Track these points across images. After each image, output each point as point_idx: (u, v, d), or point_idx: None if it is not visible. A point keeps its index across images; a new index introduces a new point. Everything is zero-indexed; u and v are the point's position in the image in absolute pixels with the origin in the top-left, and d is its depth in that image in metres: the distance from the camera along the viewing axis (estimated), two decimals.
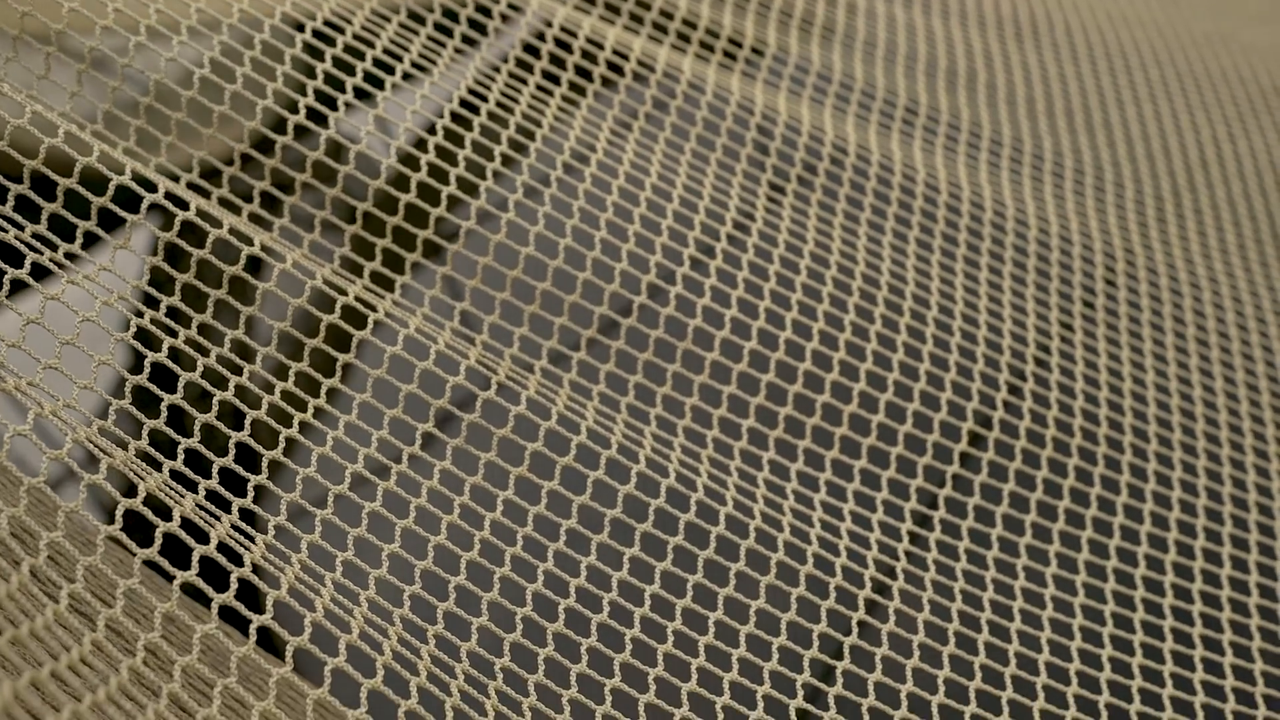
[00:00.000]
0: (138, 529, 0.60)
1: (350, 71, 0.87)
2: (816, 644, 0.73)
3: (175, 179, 0.75)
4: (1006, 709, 0.74)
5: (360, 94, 0.87)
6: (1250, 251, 1.17)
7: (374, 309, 0.77)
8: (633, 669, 0.68)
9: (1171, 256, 1.13)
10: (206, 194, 0.76)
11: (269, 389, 0.69)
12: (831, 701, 0.71)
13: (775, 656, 0.72)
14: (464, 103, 0.92)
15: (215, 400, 0.65)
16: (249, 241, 0.73)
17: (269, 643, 0.61)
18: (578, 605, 0.69)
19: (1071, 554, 0.85)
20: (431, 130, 0.89)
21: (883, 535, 0.81)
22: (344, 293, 0.77)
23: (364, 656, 0.61)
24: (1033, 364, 0.98)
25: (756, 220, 0.98)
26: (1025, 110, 1.22)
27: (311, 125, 0.82)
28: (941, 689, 0.74)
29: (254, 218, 0.77)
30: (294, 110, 0.82)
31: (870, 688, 0.72)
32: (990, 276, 1.03)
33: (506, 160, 0.90)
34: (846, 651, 0.74)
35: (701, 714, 0.68)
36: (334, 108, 0.83)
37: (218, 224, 0.73)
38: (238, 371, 0.68)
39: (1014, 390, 0.95)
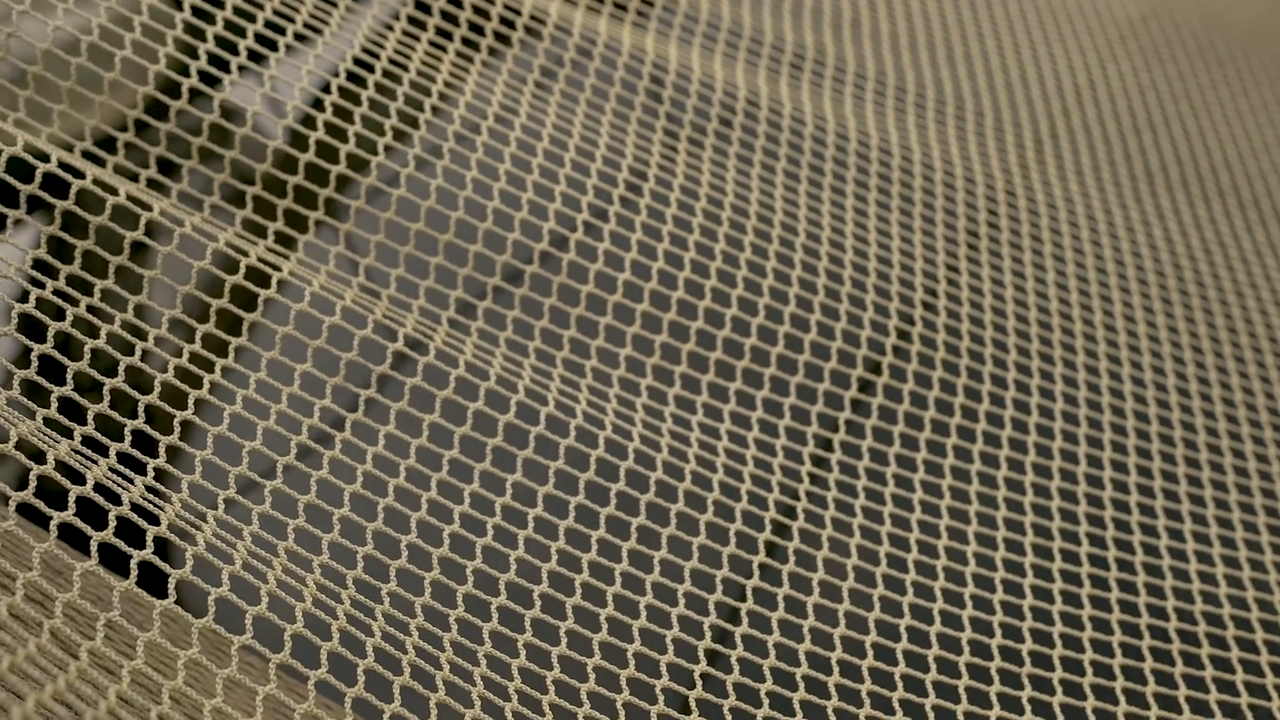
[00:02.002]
0: (17, 478, 0.59)
1: (238, 34, 0.85)
2: (726, 565, 0.73)
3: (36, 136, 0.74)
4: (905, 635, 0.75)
5: (229, 40, 0.85)
6: (1104, 171, 1.18)
7: (215, 234, 0.77)
8: (551, 599, 0.67)
9: (1048, 180, 1.14)
10: (69, 148, 0.75)
11: (142, 336, 0.68)
12: (744, 616, 0.71)
13: (688, 579, 0.72)
14: (359, 62, 0.91)
15: (87, 349, 0.64)
16: (114, 192, 0.72)
17: (161, 584, 0.61)
18: (495, 544, 0.69)
19: (963, 486, 0.85)
20: (327, 89, 0.88)
21: (786, 459, 0.81)
22: (209, 234, 0.76)
23: (249, 587, 0.61)
24: (921, 292, 0.98)
25: (651, 166, 0.98)
26: (891, 46, 1.22)
27: (174, 75, 0.81)
28: (846, 598, 0.74)
29: (119, 170, 0.76)
30: (176, 77, 0.81)
31: (780, 600, 0.73)
32: (878, 211, 1.03)
33: (404, 118, 0.89)
34: (755, 569, 0.74)
35: (619, 637, 0.68)
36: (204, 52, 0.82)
37: (81, 175, 0.72)
38: (109, 320, 0.67)
39: (905, 318, 0.96)
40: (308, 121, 0.86)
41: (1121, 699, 0.74)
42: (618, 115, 1.00)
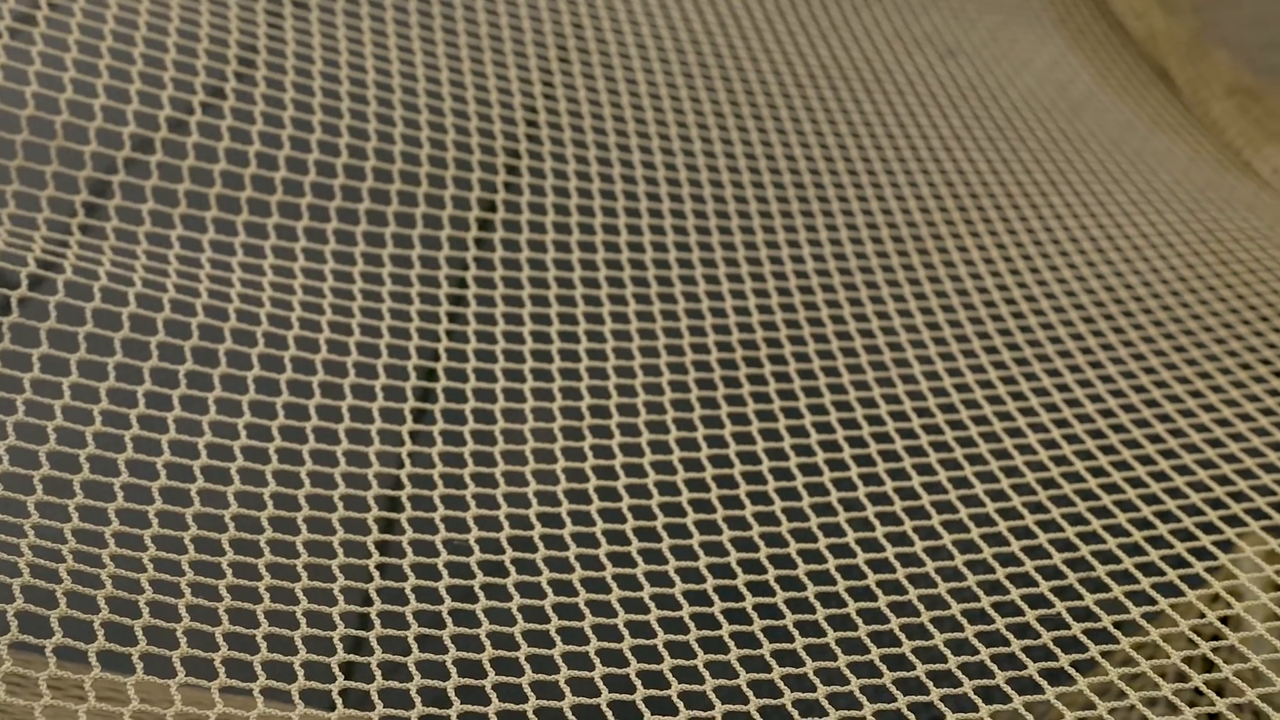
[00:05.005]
0: None
1: None
2: (377, 440, 0.72)
3: None
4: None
5: None
6: None
7: None
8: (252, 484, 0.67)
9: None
10: None
11: None
12: (407, 480, 0.72)
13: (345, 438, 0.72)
14: None
15: None
16: None
17: None
18: (180, 436, 0.67)
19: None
20: None
21: (422, 320, 0.81)
22: None
23: None
24: (524, 125, 0.99)
25: (260, 38, 0.94)
26: None
27: None
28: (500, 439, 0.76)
29: None
30: None
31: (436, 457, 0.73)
32: (468, 27, 1.02)
33: None
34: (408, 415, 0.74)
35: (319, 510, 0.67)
36: None
37: None
38: None
39: (513, 157, 0.96)
40: None
41: (713, 486, 0.76)
42: None
